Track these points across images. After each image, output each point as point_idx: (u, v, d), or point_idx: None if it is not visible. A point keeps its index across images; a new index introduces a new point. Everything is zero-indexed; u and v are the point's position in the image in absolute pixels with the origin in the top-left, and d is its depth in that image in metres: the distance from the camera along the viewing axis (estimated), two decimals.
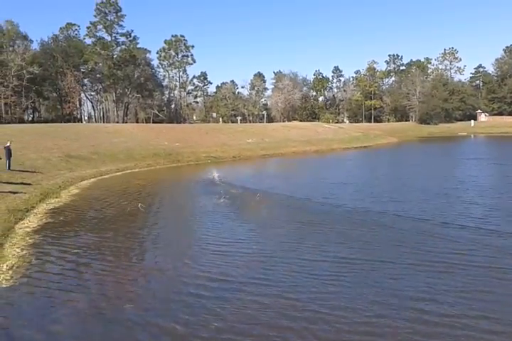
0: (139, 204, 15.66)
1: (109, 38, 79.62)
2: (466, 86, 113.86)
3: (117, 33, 79.82)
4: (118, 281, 8.33)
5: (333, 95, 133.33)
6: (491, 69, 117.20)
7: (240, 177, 25.99)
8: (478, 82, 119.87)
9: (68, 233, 12.10)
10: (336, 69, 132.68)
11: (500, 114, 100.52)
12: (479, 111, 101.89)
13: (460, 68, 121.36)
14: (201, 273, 8.56)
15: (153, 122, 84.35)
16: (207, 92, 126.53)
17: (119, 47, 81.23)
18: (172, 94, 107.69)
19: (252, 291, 7.54)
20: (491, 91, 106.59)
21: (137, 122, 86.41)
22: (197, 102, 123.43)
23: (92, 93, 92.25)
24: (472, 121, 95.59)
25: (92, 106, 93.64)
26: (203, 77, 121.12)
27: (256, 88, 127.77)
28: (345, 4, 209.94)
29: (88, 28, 78.75)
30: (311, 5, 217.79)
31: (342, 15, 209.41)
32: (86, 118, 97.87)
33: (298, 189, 19.30)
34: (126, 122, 79.39)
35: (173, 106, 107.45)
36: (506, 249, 9.42)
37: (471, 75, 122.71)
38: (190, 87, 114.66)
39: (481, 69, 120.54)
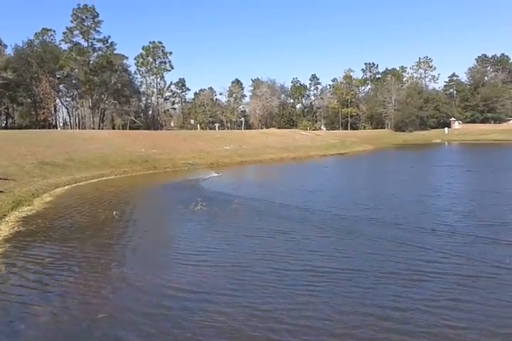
0: (114, 212, 15.44)
1: (85, 44, 78.84)
2: (440, 94, 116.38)
3: (94, 39, 79.14)
4: (83, 293, 8.07)
5: (311, 103, 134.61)
6: (464, 78, 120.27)
7: (217, 183, 25.94)
8: (451, 90, 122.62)
9: (39, 242, 11.80)
10: (313, 77, 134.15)
11: (473, 121, 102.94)
12: (453, 118, 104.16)
13: (434, 77, 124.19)
14: (169, 284, 8.40)
15: (130, 128, 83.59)
16: (185, 99, 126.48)
17: (95, 53, 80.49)
18: (149, 101, 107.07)
19: (219, 302, 7.41)
20: (464, 100, 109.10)
21: (113, 128, 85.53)
22: (174, 109, 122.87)
23: (68, 99, 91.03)
24: (446, 129, 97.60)
25: (68, 113, 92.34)
26: (181, 83, 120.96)
27: (234, 95, 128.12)
28: (321, 13, 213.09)
29: (64, 33, 77.84)
30: (289, 14, 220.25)
31: (319, 24, 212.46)
32: (61, 124, 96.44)
33: (275, 196, 19.31)
34: (103, 128, 78.53)
35: (150, 112, 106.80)
36: (477, 256, 9.52)
37: (445, 84, 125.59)
38: (167, 94, 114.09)
39: (455, 78, 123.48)
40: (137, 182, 27.32)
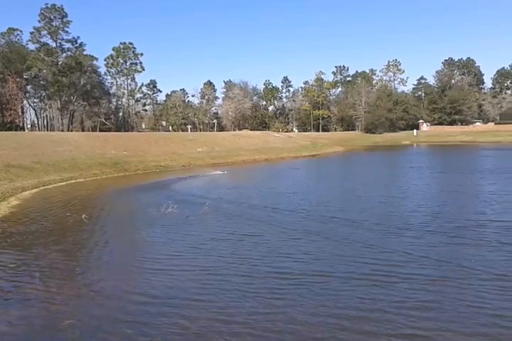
0: (83, 216, 15.22)
1: (53, 44, 77.46)
2: (409, 97, 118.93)
3: (63, 39, 77.89)
4: (46, 301, 7.88)
5: (283, 105, 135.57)
6: (432, 80, 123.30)
7: (189, 186, 25.84)
8: (420, 93, 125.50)
9: (1, 248, 11.53)
10: (285, 80, 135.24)
11: (441, 123, 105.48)
12: (421, 121, 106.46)
13: (403, 79, 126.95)
14: (135, 290, 8.29)
15: (100, 130, 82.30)
16: (156, 100, 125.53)
17: (64, 54, 79.12)
18: (120, 102, 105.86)
19: (184, 308, 7.33)
20: (432, 102, 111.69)
21: (83, 130, 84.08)
22: (146, 110, 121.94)
23: (36, 100, 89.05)
24: (415, 131, 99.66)
25: (36, 114, 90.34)
26: (153, 85, 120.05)
27: (206, 97, 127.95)
28: (293, 15, 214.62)
29: (32, 33, 76.38)
30: (260, 15, 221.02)
31: (290, 26, 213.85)
32: (29, 126, 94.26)
33: (246, 198, 19.39)
34: (72, 130, 77.12)
35: (120, 114, 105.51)
36: (442, 257, 9.71)
37: (414, 86, 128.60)
38: (138, 95, 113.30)
39: (423, 81, 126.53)
40: (107, 184, 26.94)
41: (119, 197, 21.75)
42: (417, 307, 7.12)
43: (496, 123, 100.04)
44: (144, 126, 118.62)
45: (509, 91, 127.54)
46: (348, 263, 9.58)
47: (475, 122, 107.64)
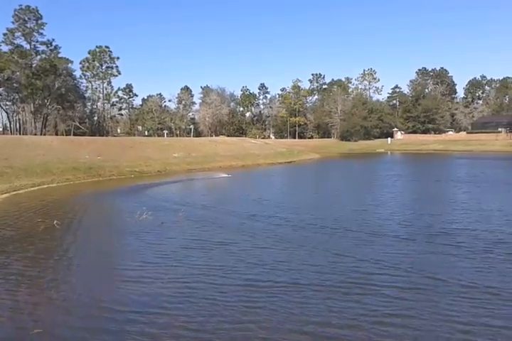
0: (55, 222, 14.95)
1: (28, 46, 76.07)
2: (384, 105, 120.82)
3: (37, 42, 76.51)
4: (11, 310, 7.71)
5: (260, 111, 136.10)
6: (406, 89, 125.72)
7: (164, 192, 25.64)
8: (394, 101, 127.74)
9: None
10: (263, 86, 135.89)
11: (415, 132, 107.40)
12: (395, 129, 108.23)
13: (378, 88, 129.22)
14: (100, 302, 8.11)
15: (74, 135, 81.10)
16: (132, 105, 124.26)
17: (38, 56, 77.73)
18: (95, 106, 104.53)
19: (148, 322, 7.18)
20: (406, 111, 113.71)
21: (57, 134, 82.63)
22: (121, 115, 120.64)
23: (8, 103, 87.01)
24: (389, 139, 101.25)
25: (8, 117, 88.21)
26: (129, 89, 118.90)
27: (183, 102, 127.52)
28: (270, 23, 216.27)
29: (5, 34, 74.70)
30: (238, 22, 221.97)
31: (268, 34, 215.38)
32: (0, 129, 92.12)
33: (219, 205, 19.32)
34: (45, 134, 75.69)
35: (95, 118, 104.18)
36: (413, 267, 9.80)
37: (388, 95, 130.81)
38: (114, 99, 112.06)
39: (397, 90, 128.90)
40: (81, 190, 26.52)
41: (93, 203, 21.43)
42: (387, 318, 7.14)
43: (467, 133, 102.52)
44: (119, 130, 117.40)
45: (480, 101, 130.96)
46: (320, 272, 9.56)
47: (448, 131, 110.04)
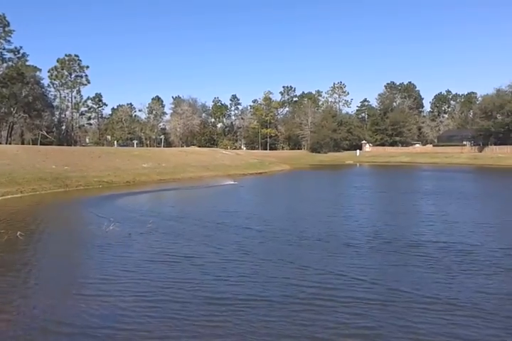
0: (18, 233, 14.55)
1: None
2: (353, 118, 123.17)
3: (4, 49, 74.68)
4: None
5: (231, 122, 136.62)
6: (374, 103, 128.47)
7: (133, 203, 25.30)
8: (363, 114, 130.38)
9: None
10: (234, 98, 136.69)
11: (382, 144, 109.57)
12: (364, 141, 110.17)
13: (347, 101, 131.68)
14: (54, 317, 7.83)
15: (41, 144, 79.22)
16: (101, 114, 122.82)
17: (5, 64, 75.93)
18: (63, 115, 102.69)
19: (105, 338, 7.01)
20: (374, 124, 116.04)
21: (23, 143, 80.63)
22: (90, 124, 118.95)
23: None
24: (358, 151, 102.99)
25: None
26: (98, 98, 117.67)
27: (154, 112, 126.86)
28: (241, 35, 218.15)
29: None
30: (211, 34, 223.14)
31: (240, 46, 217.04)
32: None
33: (189, 216, 19.12)
34: (10, 143, 73.70)
35: (63, 127, 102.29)
36: (379, 281, 9.85)
37: (357, 108, 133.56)
38: (83, 109, 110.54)
39: (366, 103, 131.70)
40: (47, 200, 25.91)
41: (59, 214, 20.96)
42: (352, 332, 7.14)
43: (434, 145, 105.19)
44: (87, 140, 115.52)
45: (446, 115, 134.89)
46: (285, 285, 9.51)
47: (414, 144, 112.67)
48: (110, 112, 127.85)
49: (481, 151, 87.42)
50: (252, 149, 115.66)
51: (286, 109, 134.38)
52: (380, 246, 13.09)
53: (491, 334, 7.07)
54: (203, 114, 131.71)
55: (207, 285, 9.53)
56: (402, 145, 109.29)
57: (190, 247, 13.19)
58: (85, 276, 10.55)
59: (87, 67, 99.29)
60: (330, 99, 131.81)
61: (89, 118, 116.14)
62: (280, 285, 9.55)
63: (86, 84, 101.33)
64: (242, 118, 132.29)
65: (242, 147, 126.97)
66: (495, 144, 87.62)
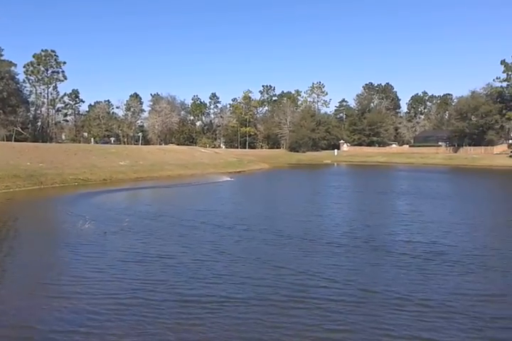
0: None
1: None
2: (331, 118, 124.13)
3: None
4: None
5: (211, 121, 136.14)
6: (352, 103, 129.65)
7: (109, 201, 25.02)
8: (341, 114, 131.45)
9: None
10: (214, 96, 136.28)
11: (360, 144, 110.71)
12: (342, 141, 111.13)
13: (326, 101, 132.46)
14: (19, 321, 7.60)
15: (16, 140, 77.57)
16: (78, 111, 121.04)
17: None
18: (39, 111, 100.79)
19: None
20: (352, 124, 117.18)
21: None
22: (67, 121, 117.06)
23: None
24: (336, 151, 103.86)
25: None
26: (75, 94, 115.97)
27: (132, 109, 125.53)
28: (221, 35, 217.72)
29: None
30: (190, 33, 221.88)
31: (219, 45, 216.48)
32: None
33: (166, 215, 18.96)
34: None
35: (39, 123, 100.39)
36: (357, 280, 9.91)
37: (336, 108, 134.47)
38: (59, 105, 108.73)
39: (344, 103, 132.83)
40: (20, 198, 25.44)
41: (33, 212, 20.61)
42: (325, 333, 7.14)
43: (410, 146, 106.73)
44: (64, 137, 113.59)
45: (422, 116, 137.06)
46: (258, 286, 9.44)
47: (391, 144, 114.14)
48: (87, 109, 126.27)
49: (455, 152, 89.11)
50: (231, 148, 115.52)
51: (266, 108, 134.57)
52: (356, 246, 13.17)
53: (462, 334, 7.17)
54: (182, 112, 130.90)
55: (180, 286, 9.39)
56: (379, 146, 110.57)
57: (165, 247, 13.05)
58: (54, 277, 10.28)
59: (64, 62, 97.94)
60: (309, 99, 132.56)
61: (66, 115, 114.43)
62: (254, 285, 9.49)
63: (63, 80, 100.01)
64: (221, 117, 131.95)
65: (221, 145, 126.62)
66: (469, 145, 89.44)
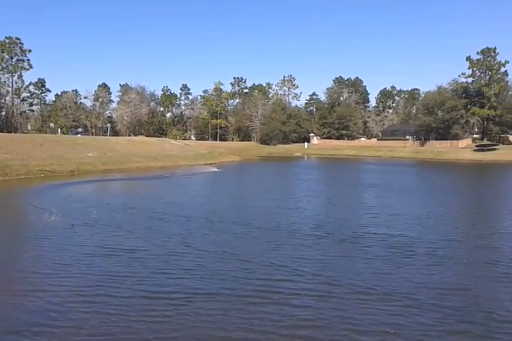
0: None
1: None
2: (302, 111, 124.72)
3: None
4: None
5: (181, 112, 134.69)
6: (323, 97, 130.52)
7: (76, 193, 24.61)
8: (312, 108, 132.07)
9: None
10: (185, 87, 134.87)
11: (329, 137, 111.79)
12: (312, 134, 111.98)
13: (297, 94, 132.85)
14: None
15: None
16: (45, 101, 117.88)
17: None
18: (3, 101, 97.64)
19: None
20: (322, 117, 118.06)
21: None
22: (32, 111, 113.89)
23: None
24: (306, 143, 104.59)
25: None
26: (41, 84, 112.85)
27: (100, 99, 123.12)
28: (192, 27, 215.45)
29: None
30: (160, 24, 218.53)
31: (190, 37, 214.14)
32: None
33: (135, 208, 18.81)
34: None
35: (3, 113, 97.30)
36: (324, 273, 10.00)
37: (306, 101, 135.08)
38: (25, 94, 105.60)
39: (315, 97, 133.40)
40: None
41: None
42: (293, 329, 7.14)
43: (378, 139, 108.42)
44: (29, 127, 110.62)
45: (390, 111, 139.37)
46: (226, 280, 9.42)
47: (360, 137, 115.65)
48: (54, 99, 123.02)
49: (422, 146, 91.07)
50: (201, 140, 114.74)
51: (237, 100, 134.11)
52: (323, 238, 13.32)
53: (427, 324, 7.36)
54: (152, 103, 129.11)
55: (146, 281, 9.26)
56: (348, 139, 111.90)
57: (132, 239, 12.92)
58: (18, 271, 10.04)
59: (30, 50, 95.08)
60: (280, 92, 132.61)
61: (31, 105, 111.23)
62: (222, 278, 9.48)
63: (28, 69, 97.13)
64: (192, 109, 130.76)
65: (192, 137, 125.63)
66: (435, 139, 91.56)
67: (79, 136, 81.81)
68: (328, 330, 7.13)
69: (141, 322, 7.26)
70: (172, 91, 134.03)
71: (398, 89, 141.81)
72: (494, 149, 78.10)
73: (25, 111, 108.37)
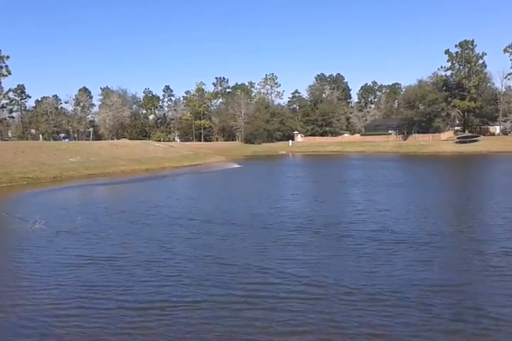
0: None
1: None
2: (285, 109, 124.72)
3: None
4: None
5: (164, 114, 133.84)
6: (305, 94, 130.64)
7: (60, 199, 24.29)
8: (295, 105, 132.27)
9: None
10: (167, 89, 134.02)
11: (313, 134, 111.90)
12: (296, 132, 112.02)
13: (279, 93, 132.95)
14: None
15: None
16: (25, 107, 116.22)
17: None
18: None
19: None
20: (305, 115, 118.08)
21: None
22: (13, 117, 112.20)
23: None
24: (290, 141, 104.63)
25: None
26: (21, 90, 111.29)
27: (81, 104, 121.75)
28: (172, 28, 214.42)
29: None
30: (140, 26, 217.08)
31: (170, 38, 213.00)
32: None
33: (118, 213, 18.57)
34: None
35: None
36: (306, 274, 9.91)
37: (289, 99, 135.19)
38: (4, 101, 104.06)
39: (297, 95, 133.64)
40: None
41: None
42: (278, 336, 7.01)
43: (361, 135, 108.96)
44: (10, 134, 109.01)
45: (373, 106, 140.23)
46: (207, 286, 9.22)
47: (343, 133, 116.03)
48: (34, 104, 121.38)
49: (405, 139, 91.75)
50: (186, 141, 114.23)
51: (220, 100, 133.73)
52: (311, 237, 13.27)
53: (413, 323, 7.31)
54: (134, 106, 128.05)
55: (126, 291, 9.00)
56: (332, 135, 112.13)
57: (114, 247, 12.65)
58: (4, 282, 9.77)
59: (8, 57, 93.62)
60: (262, 91, 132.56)
61: (11, 111, 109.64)
62: (204, 286, 9.25)
63: (6, 75, 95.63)
64: (175, 110, 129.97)
65: (176, 139, 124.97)
66: (418, 132, 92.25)
67: (66, 140, 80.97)
68: (319, 335, 7.01)
69: (123, 335, 7.05)
70: (154, 93, 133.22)
71: (379, 84, 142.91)
72: (476, 140, 78.98)
73: (5, 118, 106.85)
